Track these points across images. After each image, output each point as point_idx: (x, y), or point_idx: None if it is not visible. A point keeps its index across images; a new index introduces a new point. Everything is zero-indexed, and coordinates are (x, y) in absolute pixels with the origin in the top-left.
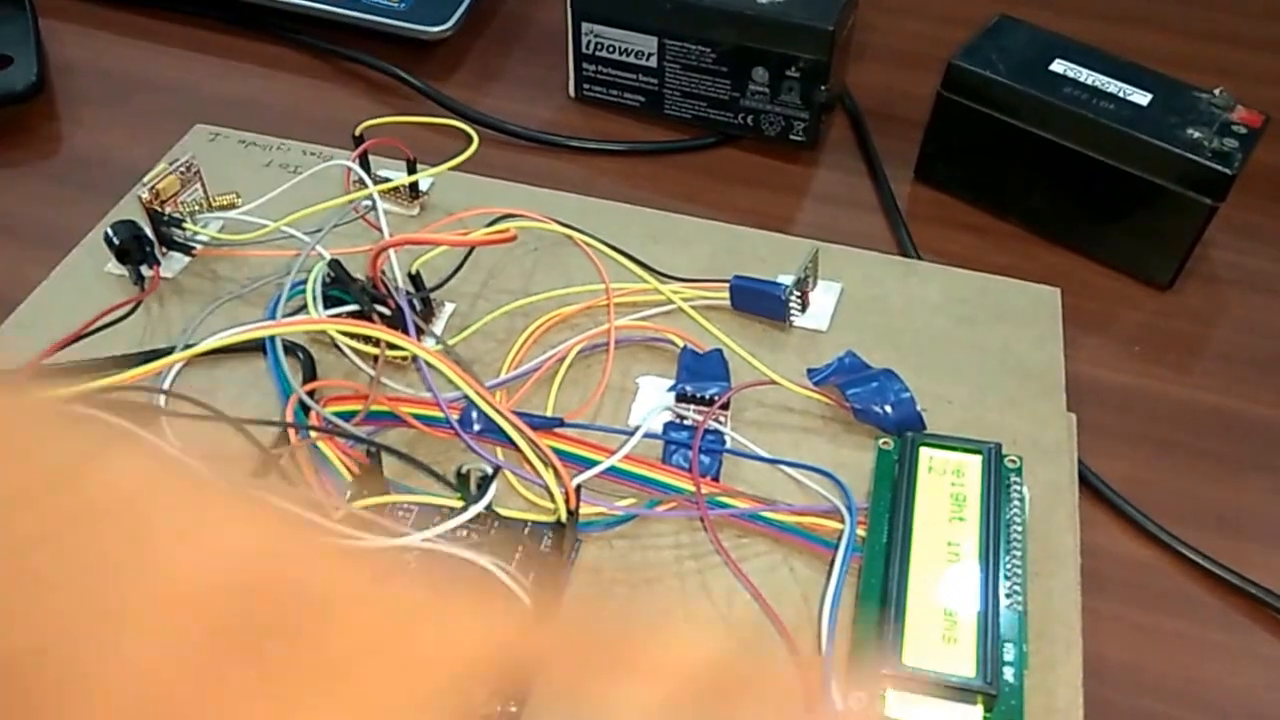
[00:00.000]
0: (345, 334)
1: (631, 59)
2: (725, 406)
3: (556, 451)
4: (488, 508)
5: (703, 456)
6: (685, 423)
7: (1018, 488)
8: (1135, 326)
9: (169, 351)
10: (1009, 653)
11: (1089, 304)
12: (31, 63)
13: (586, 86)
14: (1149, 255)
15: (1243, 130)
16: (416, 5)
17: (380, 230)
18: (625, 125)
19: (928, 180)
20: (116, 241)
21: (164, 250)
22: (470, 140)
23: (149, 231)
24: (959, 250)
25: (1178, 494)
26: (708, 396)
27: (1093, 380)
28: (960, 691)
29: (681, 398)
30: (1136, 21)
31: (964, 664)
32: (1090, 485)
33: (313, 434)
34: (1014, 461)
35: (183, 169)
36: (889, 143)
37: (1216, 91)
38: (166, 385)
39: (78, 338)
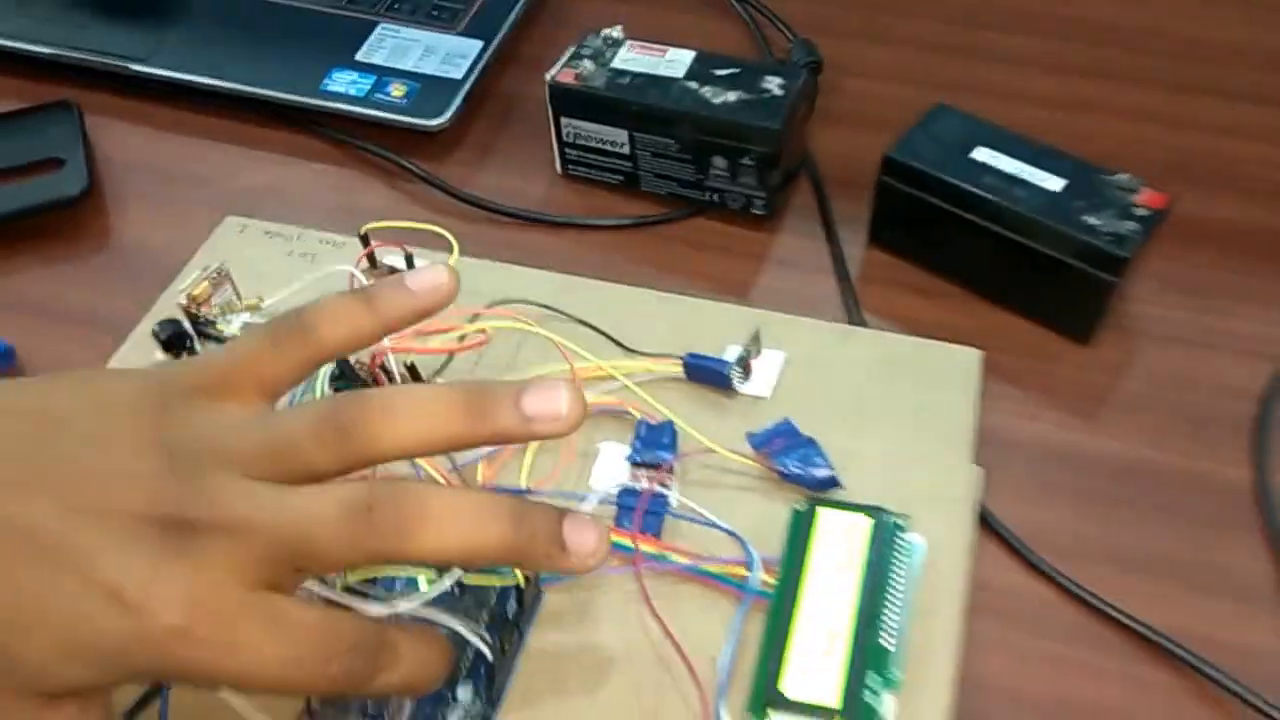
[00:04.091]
0: None
1: (607, 147)
2: (671, 471)
3: None
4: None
5: (647, 516)
6: (638, 486)
7: (902, 541)
8: (1054, 379)
9: None
10: (872, 680)
11: (1016, 359)
12: (81, 167)
13: (571, 166)
14: (1068, 316)
15: (1144, 212)
16: (418, 100)
17: None
18: (608, 199)
19: (879, 244)
20: (162, 338)
21: (202, 343)
22: (451, 247)
23: (188, 328)
24: (903, 309)
25: (1074, 534)
26: (658, 464)
27: (1009, 430)
28: (828, 712)
29: (636, 464)
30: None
31: (831, 692)
32: (992, 528)
33: None
34: (902, 519)
35: (214, 275)
36: (849, 206)
37: (1121, 175)
38: None
39: None
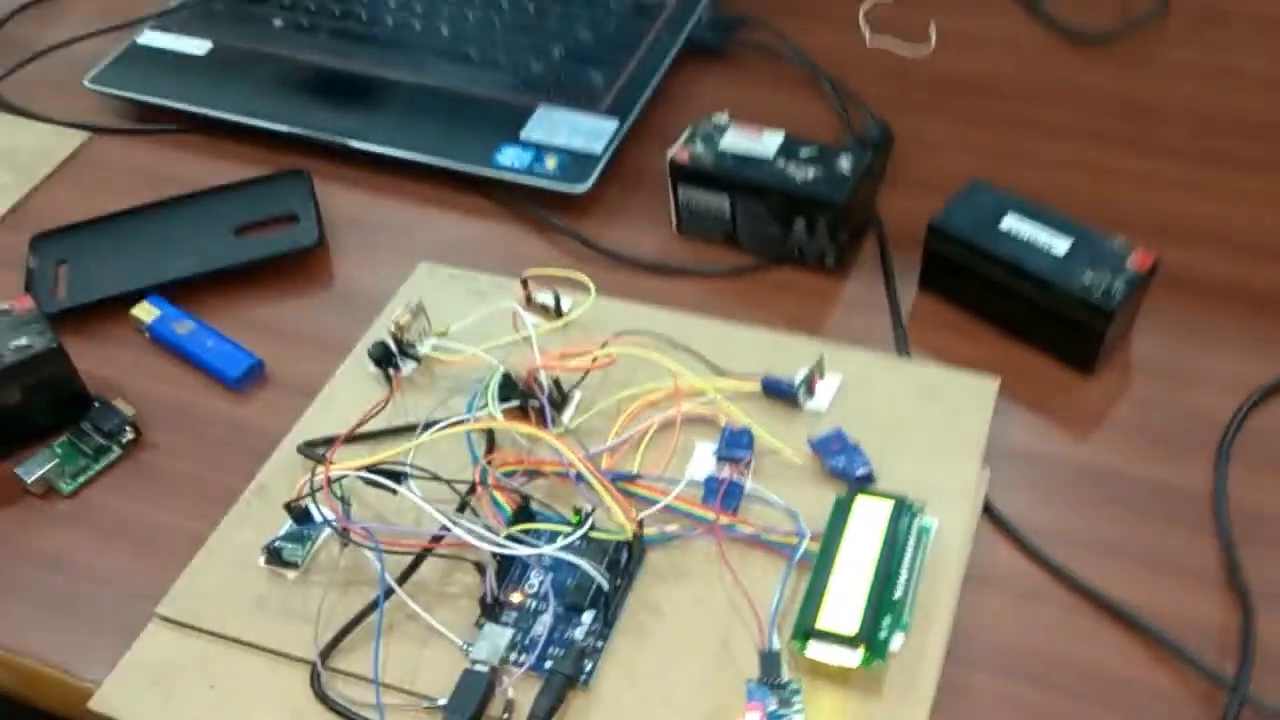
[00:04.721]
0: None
1: (713, 210)
2: (747, 465)
3: (635, 494)
4: (585, 534)
5: (726, 497)
6: (721, 475)
7: (917, 521)
8: (1060, 403)
9: (411, 429)
10: (885, 621)
11: (1032, 386)
12: (312, 223)
13: (684, 225)
14: (1073, 353)
15: (1133, 272)
16: (566, 170)
17: (534, 353)
18: (713, 252)
19: (927, 291)
20: (374, 356)
21: (403, 360)
22: (589, 289)
23: (394, 348)
24: (942, 345)
25: (1062, 527)
26: (736, 459)
27: (1020, 442)
28: (849, 640)
29: (720, 458)
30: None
31: (853, 626)
32: (996, 519)
33: (490, 486)
34: (917, 504)
35: (413, 308)
36: (909, 259)
37: (1118, 239)
38: (410, 458)
39: (360, 425)
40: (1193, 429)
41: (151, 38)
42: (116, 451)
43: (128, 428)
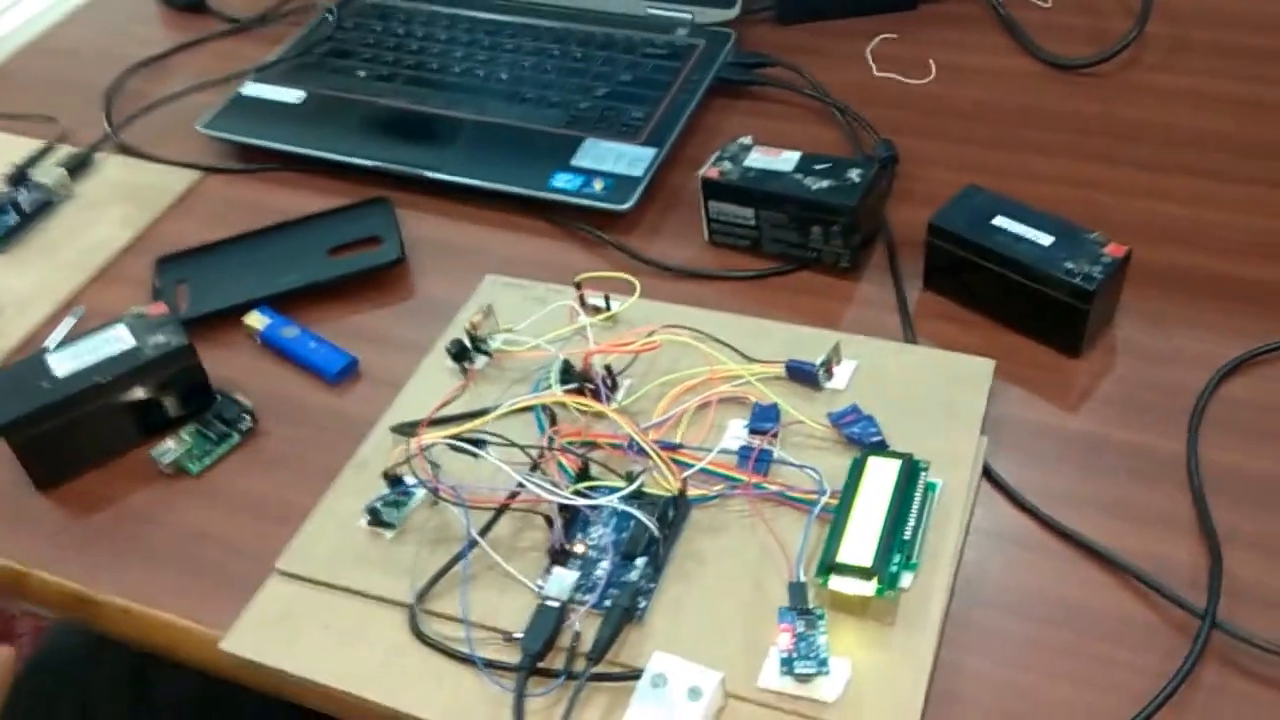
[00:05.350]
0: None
1: (739, 221)
2: (775, 435)
3: (678, 461)
4: (639, 489)
5: (757, 462)
6: (753, 444)
7: (923, 475)
8: (1051, 382)
9: (485, 411)
10: (896, 558)
11: (1025, 368)
12: (395, 243)
13: (715, 235)
14: (1059, 336)
15: (1108, 259)
16: (612, 192)
17: (589, 342)
18: (740, 258)
19: (930, 288)
20: (451, 351)
21: (476, 354)
22: (633, 288)
23: (468, 345)
24: (945, 334)
25: (1053, 486)
26: (765, 430)
27: (1015, 416)
28: (865, 571)
29: (751, 430)
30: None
31: (868, 559)
32: (994, 480)
33: (556, 452)
34: (924, 462)
35: (483, 311)
36: (913, 261)
37: (1095, 234)
38: (490, 429)
39: (442, 407)
40: (1169, 400)
41: (253, 89)
42: (237, 438)
43: (246, 417)
